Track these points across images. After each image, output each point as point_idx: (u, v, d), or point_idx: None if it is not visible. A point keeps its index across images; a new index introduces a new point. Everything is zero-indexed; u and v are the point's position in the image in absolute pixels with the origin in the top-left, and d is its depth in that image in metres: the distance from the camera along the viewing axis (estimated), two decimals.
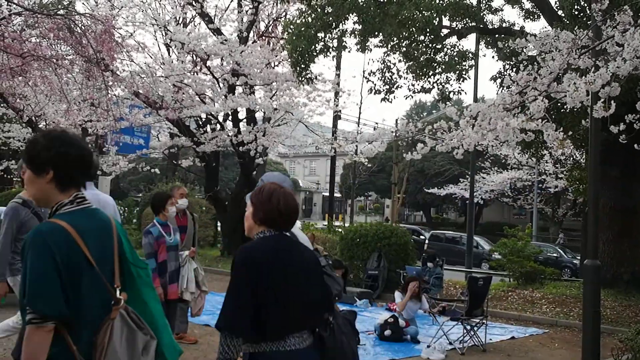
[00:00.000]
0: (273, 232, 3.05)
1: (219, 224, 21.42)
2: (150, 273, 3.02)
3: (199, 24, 20.30)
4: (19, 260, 4.41)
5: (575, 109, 8.37)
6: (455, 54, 12.94)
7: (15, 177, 27.03)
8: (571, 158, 20.74)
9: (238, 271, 2.92)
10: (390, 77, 13.41)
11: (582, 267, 7.08)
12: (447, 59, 12.83)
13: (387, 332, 9.00)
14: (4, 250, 5.64)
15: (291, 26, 12.38)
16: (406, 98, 14.12)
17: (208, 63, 17.03)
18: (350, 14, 11.64)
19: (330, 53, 12.49)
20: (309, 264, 3.10)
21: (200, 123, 19.07)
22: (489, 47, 15.12)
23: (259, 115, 18.66)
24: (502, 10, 14.41)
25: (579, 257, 22.85)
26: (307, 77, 12.79)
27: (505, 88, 9.80)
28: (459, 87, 13.42)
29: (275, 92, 17.26)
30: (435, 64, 12.89)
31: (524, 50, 9.68)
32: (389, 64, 13.46)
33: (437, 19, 11.61)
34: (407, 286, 9.81)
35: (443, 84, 13.20)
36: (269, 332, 2.86)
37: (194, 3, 16.83)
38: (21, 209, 5.62)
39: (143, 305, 2.76)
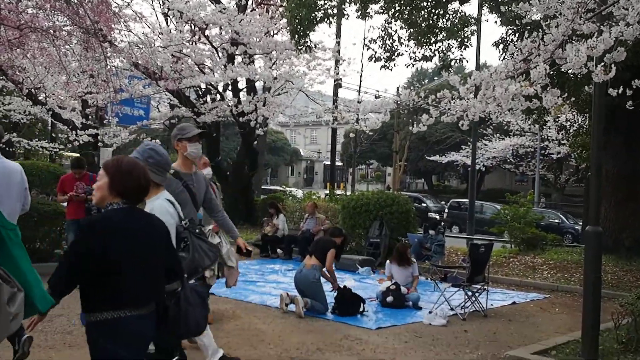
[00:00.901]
0: (126, 204, 3.18)
1: (221, 194, 21.43)
2: (20, 233, 3.22)
3: None
4: None
5: (579, 75, 8.30)
6: (457, 20, 12.79)
7: (19, 150, 27.04)
8: (575, 124, 20.66)
9: (81, 239, 3.10)
10: (391, 45, 13.26)
11: (584, 234, 7.07)
12: (449, 25, 12.68)
13: (389, 299, 9.06)
14: None
15: None
16: (407, 66, 14.09)
17: (207, 32, 16.90)
18: None
19: (330, 20, 12.35)
20: (159, 236, 3.28)
21: (200, 93, 18.99)
22: (492, 12, 14.93)
23: (259, 84, 18.57)
24: None
25: (580, 223, 22.90)
26: (307, 45, 12.67)
27: (508, 55, 9.70)
28: (461, 54, 13.30)
29: (275, 61, 17.15)
30: (437, 30, 12.74)
31: (528, 14, 9.56)
32: (389, 31, 13.31)
33: None
34: (398, 255, 9.87)
35: (445, 51, 13.06)
36: (112, 301, 3.02)
37: None
38: (173, 180, 4.93)
39: (13, 264, 2.99)
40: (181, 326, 3.32)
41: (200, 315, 3.46)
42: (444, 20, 12.76)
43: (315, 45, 13.43)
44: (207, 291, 3.60)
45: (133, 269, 3.05)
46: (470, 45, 12.92)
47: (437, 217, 25.34)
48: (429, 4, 12.18)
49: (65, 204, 9.50)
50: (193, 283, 3.68)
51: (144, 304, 3.10)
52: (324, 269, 8.83)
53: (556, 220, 25.68)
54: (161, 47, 15.40)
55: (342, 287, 8.73)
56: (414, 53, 13.24)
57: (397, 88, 31.15)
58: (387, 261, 10.32)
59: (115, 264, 3.00)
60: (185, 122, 31.04)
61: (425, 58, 13.25)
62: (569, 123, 22.12)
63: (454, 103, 8.85)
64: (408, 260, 9.85)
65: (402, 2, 11.75)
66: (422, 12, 12.36)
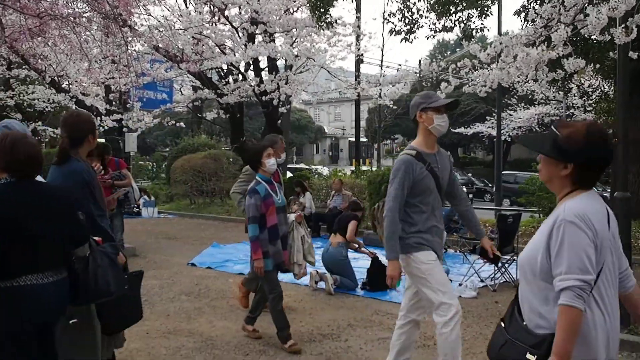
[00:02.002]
0: (15, 178, 3.28)
1: None
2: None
3: None
4: (413, 233, 4.38)
5: (603, 42, 8.14)
6: None
7: (44, 139, 27.35)
8: (599, 90, 20.33)
9: None
10: (410, 17, 13.13)
11: (612, 200, 6.98)
12: None
13: None
14: (393, 219, 4.28)
15: None
16: (427, 38, 13.92)
17: (226, 13, 16.84)
18: None
19: None
20: (58, 205, 3.38)
21: (222, 74, 18.99)
22: None
23: (280, 63, 18.51)
24: None
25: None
26: (327, 21, 12.57)
27: (529, 22, 9.54)
28: (482, 23, 13.12)
29: (296, 39, 17.06)
30: (457, 1, 12.57)
31: None
32: (408, 3, 13.17)
33: None
34: None
35: (465, 21, 12.89)
36: (9, 270, 3.14)
37: None
38: (415, 164, 4.28)
39: None
40: (91, 288, 3.44)
41: (110, 275, 3.55)
42: None
43: (335, 21, 13.32)
44: (116, 252, 3.61)
45: (24, 238, 3.17)
46: (491, 13, 12.74)
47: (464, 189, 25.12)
48: None
49: None
50: (103, 245, 3.70)
51: (43, 270, 3.23)
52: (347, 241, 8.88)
53: None
54: (181, 29, 15.39)
55: (373, 253, 8.79)
56: (434, 24, 13.09)
57: (419, 61, 30.81)
58: None
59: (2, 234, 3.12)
60: (208, 104, 31.14)
61: (446, 29, 13.09)
62: (592, 89, 21.78)
63: (475, 72, 8.76)
64: None
65: None
66: None
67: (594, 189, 2.62)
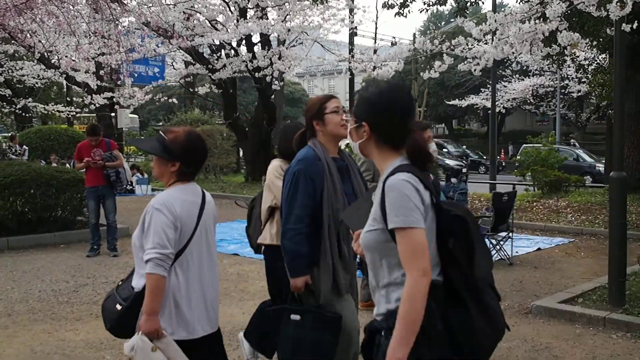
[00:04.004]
0: None
1: (240, 150, 21.43)
2: None
3: None
4: None
5: (599, 16, 8.03)
6: None
7: (35, 115, 27.16)
8: (594, 62, 20.21)
9: None
10: None
11: (608, 179, 6.90)
12: None
13: None
14: None
15: None
16: (421, 12, 13.66)
17: None
18: None
19: None
20: None
21: (214, 49, 18.78)
22: None
23: (273, 37, 18.31)
24: None
25: (603, 161, 22.64)
26: None
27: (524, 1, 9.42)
28: None
29: (288, 13, 16.84)
30: None
31: None
32: None
33: None
34: None
35: None
36: None
37: None
38: None
39: None
40: None
41: None
42: None
43: None
44: None
45: None
46: None
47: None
48: None
49: (83, 170, 9.49)
50: None
51: None
52: None
53: (574, 160, 25.48)
54: (171, 4, 15.17)
55: None
56: None
57: (414, 34, 30.58)
58: None
59: None
60: (200, 78, 30.86)
61: (439, 2, 12.91)
62: (587, 62, 21.66)
63: (469, 49, 8.64)
64: None
65: None
66: None
67: (194, 182, 3.21)
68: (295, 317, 3.59)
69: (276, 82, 17.24)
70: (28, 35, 15.65)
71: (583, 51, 19.56)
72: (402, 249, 2.22)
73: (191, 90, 28.64)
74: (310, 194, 3.53)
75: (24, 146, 20.66)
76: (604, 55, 16.36)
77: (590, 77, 18.99)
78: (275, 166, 4.41)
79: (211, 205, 3.25)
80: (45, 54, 17.04)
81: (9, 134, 23.41)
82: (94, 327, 5.90)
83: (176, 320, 3.05)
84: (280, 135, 4.61)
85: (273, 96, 20.19)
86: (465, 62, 8.05)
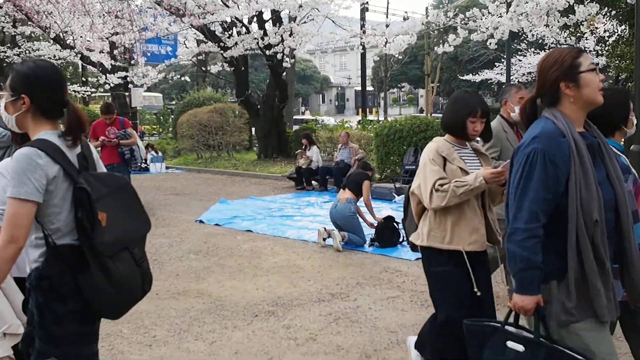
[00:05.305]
0: None
1: (253, 128, 21.44)
2: None
3: None
4: None
5: None
6: None
7: None
8: (614, 34, 19.93)
9: None
10: None
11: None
12: None
13: None
14: None
15: None
16: None
17: None
18: None
19: None
20: None
21: (226, 27, 18.73)
22: None
23: (284, 14, 18.21)
24: None
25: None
26: None
27: None
28: None
29: None
30: None
31: None
32: None
33: None
34: None
35: None
36: None
37: None
38: None
39: None
40: None
41: None
42: None
43: None
44: None
45: None
46: None
47: None
48: None
49: (99, 149, 9.56)
50: None
51: None
52: (363, 202, 8.74)
53: None
54: None
55: (382, 219, 8.62)
56: None
57: (426, 9, 30.30)
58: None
59: None
60: (213, 56, 30.80)
61: None
62: (607, 33, 21.36)
63: (483, 21, 8.54)
64: None
65: None
66: None
67: None
68: (515, 346, 2.71)
69: (287, 59, 17.16)
70: (44, 16, 15.72)
71: (603, 23, 19.30)
72: (5, 215, 2.48)
73: (203, 68, 28.63)
74: (551, 183, 2.59)
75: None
76: (623, 27, 16.12)
77: (609, 49, 18.71)
78: (431, 148, 3.79)
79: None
80: (61, 34, 17.11)
81: None
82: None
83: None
84: (449, 105, 3.93)
85: (284, 73, 20.12)
86: (478, 31, 7.94)
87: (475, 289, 3.67)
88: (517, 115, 4.77)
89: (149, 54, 20.55)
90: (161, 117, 31.65)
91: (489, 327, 2.88)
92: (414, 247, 3.94)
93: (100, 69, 18.69)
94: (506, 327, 2.80)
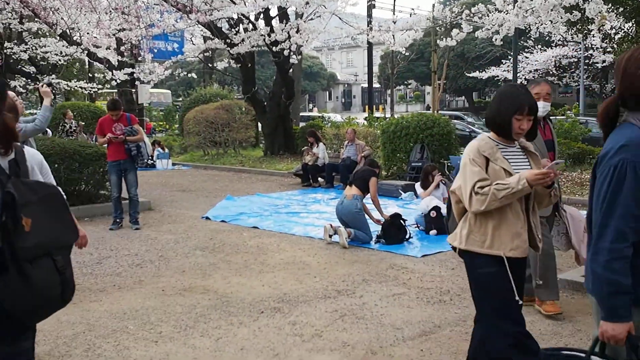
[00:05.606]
0: None
1: (259, 124, 21.44)
2: None
3: None
4: None
5: None
6: None
7: (58, 93, 27.30)
8: (621, 31, 19.85)
9: None
10: None
11: None
12: None
13: (433, 232, 8.89)
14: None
15: None
16: None
17: None
18: None
19: None
20: None
21: (232, 24, 18.73)
22: None
23: (291, 11, 18.19)
24: None
25: None
26: None
27: None
28: None
29: None
30: None
31: None
32: None
33: None
34: (426, 178, 9.75)
35: None
36: None
37: None
38: None
39: None
40: None
41: None
42: None
43: None
44: None
45: None
46: None
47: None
48: None
49: (105, 145, 9.57)
50: None
51: None
52: (369, 199, 8.73)
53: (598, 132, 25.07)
54: None
55: (389, 216, 8.61)
56: None
57: (433, 5, 30.20)
58: (417, 184, 10.24)
59: None
60: (219, 53, 30.81)
61: None
62: (614, 30, 21.30)
63: (489, 17, 8.51)
64: (433, 182, 9.65)
65: None
66: None
67: None
68: None
69: (294, 55, 17.16)
70: (51, 12, 15.76)
71: (609, 21, 19.24)
72: None
73: (210, 65, 28.65)
74: None
75: (81, 122, 20.37)
76: (629, 24, 16.06)
77: (616, 46, 18.65)
78: (473, 146, 3.50)
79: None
80: (68, 30, 17.14)
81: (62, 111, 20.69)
82: (117, 298, 6.00)
83: None
84: (494, 100, 3.62)
85: (291, 70, 20.11)
86: (484, 29, 7.91)
87: (517, 297, 3.44)
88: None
89: (155, 51, 20.58)
90: (167, 114, 31.71)
91: (571, 358, 2.66)
92: (455, 249, 3.63)
93: (107, 65, 18.72)
94: (592, 357, 2.52)
